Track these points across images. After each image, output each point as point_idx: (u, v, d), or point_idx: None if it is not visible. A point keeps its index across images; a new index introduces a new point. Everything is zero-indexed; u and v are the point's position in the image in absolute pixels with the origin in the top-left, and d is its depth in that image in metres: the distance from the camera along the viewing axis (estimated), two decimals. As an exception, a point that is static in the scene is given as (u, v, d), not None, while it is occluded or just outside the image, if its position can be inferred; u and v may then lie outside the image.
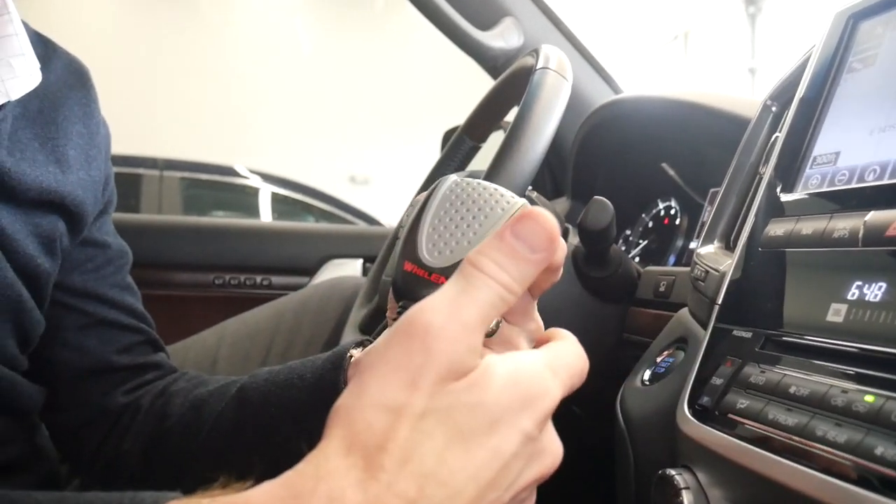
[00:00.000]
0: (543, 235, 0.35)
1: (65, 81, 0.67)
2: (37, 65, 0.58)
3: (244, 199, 4.07)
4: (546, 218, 0.35)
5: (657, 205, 1.07)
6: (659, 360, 0.61)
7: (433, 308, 0.34)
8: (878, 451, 0.35)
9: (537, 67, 0.75)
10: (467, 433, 0.33)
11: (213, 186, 3.82)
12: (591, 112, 1.03)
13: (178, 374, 0.75)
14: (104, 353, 0.70)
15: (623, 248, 1.12)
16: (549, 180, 1.35)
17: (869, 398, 0.38)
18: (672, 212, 1.04)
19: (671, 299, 0.73)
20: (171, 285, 1.33)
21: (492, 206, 0.45)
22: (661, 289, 0.75)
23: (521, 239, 0.35)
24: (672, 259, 0.99)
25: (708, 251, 0.64)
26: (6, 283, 0.57)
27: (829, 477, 0.37)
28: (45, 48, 0.67)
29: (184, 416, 0.65)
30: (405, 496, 0.31)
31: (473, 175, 0.77)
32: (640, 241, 1.09)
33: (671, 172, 1.02)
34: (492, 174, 0.69)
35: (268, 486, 0.32)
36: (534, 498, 0.38)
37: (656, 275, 0.77)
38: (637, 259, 1.08)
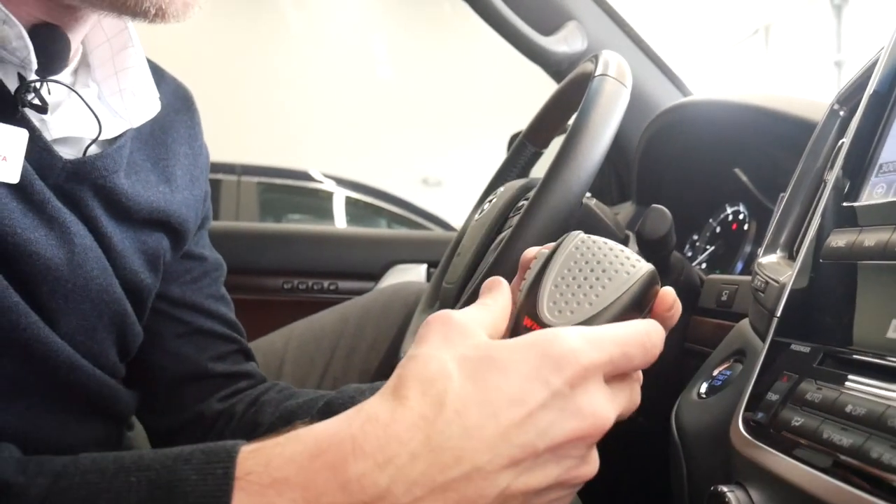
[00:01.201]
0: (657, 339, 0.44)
1: (172, 106, 0.71)
2: (156, 94, 0.62)
3: (318, 203, 4.16)
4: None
5: (725, 210, 1.04)
6: (716, 372, 0.60)
7: (445, 311, 0.43)
8: (935, 476, 0.34)
9: (596, 74, 0.74)
10: (479, 378, 0.38)
11: (289, 191, 3.93)
12: (656, 116, 1.01)
13: (270, 384, 0.79)
14: (200, 361, 0.74)
15: (690, 254, 1.10)
16: (616, 185, 1.33)
17: (928, 420, 0.36)
18: (741, 217, 1.01)
19: (733, 309, 0.71)
20: (244, 289, 1.38)
21: (617, 269, 0.44)
22: (724, 298, 0.73)
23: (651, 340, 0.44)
24: (740, 266, 0.96)
25: (770, 261, 0.62)
26: (114, 298, 0.60)
27: (880, 500, 0.36)
28: (155, 74, 0.71)
29: (273, 425, 0.69)
30: (426, 418, 0.37)
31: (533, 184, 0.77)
32: (707, 247, 1.06)
33: (744, 178, 0.99)
34: (548, 181, 0.69)
35: (329, 420, 0.39)
36: (590, 466, 0.41)
37: (719, 283, 0.75)
38: (704, 265, 1.05)
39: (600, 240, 0.46)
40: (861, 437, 0.39)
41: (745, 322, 0.63)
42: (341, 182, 4.06)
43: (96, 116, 0.56)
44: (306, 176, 4.03)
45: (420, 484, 0.36)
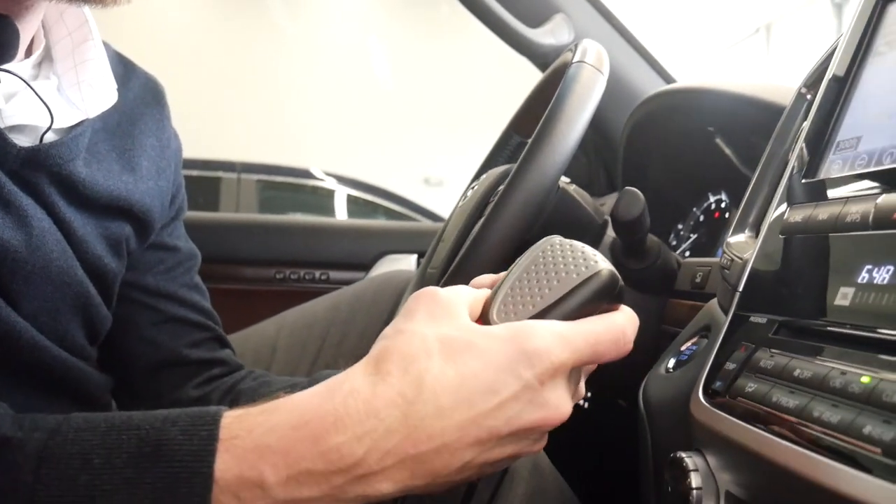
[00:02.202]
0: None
1: (142, 99, 0.73)
2: (114, 85, 0.64)
3: (318, 201, 4.18)
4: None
5: (708, 198, 1.06)
6: (683, 348, 0.61)
7: (432, 287, 0.46)
8: (867, 430, 0.35)
9: (574, 61, 0.76)
10: (459, 363, 0.42)
11: (289, 188, 3.95)
12: (639, 104, 1.03)
13: (246, 372, 0.81)
14: (175, 348, 0.76)
15: (674, 242, 1.11)
16: (604, 177, 1.35)
17: (865, 379, 0.38)
18: (723, 205, 1.02)
19: (707, 290, 0.73)
20: (236, 279, 1.40)
21: (568, 270, 0.46)
22: (698, 280, 0.74)
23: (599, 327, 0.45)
24: (720, 252, 0.98)
25: (738, 240, 0.63)
26: (76, 280, 0.62)
27: (820, 456, 0.37)
28: (125, 68, 0.73)
29: None
30: (405, 396, 0.41)
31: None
32: (691, 235, 1.07)
33: (727, 150, 1.00)
34: (524, 165, 0.71)
35: (312, 389, 0.42)
36: (542, 443, 0.46)
37: (694, 266, 0.77)
38: (688, 253, 1.07)
39: (569, 243, 0.47)
40: (806, 398, 0.41)
41: (714, 301, 0.64)
42: (342, 180, 4.08)
43: (46, 106, 0.57)
44: (307, 174, 4.05)
45: (392, 454, 0.40)
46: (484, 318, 0.47)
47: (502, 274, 0.49)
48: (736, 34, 7.05)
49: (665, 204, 1.13)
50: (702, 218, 1.06)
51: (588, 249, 0.47)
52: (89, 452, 0.39)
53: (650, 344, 0.81)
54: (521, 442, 0.44)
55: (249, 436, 0.39)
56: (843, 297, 0.43)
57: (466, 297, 0.47)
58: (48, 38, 0.62)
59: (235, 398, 0.74)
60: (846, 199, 0.47)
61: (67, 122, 0.60)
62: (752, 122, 0.85)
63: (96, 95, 0.62)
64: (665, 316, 0.81)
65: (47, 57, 0.62)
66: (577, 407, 0.49)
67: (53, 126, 0.58)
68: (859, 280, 0.43)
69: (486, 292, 0.49)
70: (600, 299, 0.46)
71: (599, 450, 1.01)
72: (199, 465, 0.38)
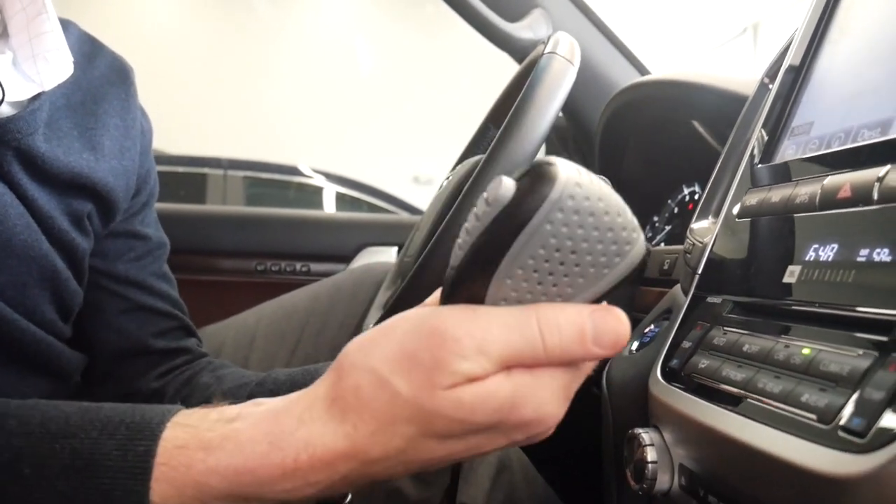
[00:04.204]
0: (617, 341, 0.37)
1: (107, 78, 0.73)
2: (70, 58, 0.64)
3: (306, 198, 4.18)
4: (627, 328, 0.37)
5: (682, 190, 1.07)
6: (647, 330, 0.63)
7: (459, 331, 0.35)
8: (804, 398, 0.37)
9: (545, 52, 0.77)
10: (446, 436, 0.36)
11: (276, 185, 3.95)
12: (614, 95, 1.04)
13: (205, 362, 0.80)
14: (141, 336, 0.76)
15: (650, 234, 1.13)
16: (580, 166, 1.36)
17: (806, 351, 0.39)
18: (696, 196, 1.04)
19: (673, 276, 0.74)
20: (217, 271, 1.41)
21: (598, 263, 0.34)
22: (665, 267, 0.76)
23: (597, 332, 0.36)
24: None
25: (700, 226, 0.65)
26: (42, 254, 0.63)
27: (762, 425, 0.39)
28: (91, 46, 0.74)
29: None
30: (368, 456, 0.36)
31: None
32: (666, 227, 1.09)
33: (702, 131, 1.01)
34: (494, 152, 0.72)
35: (259, 416, 0.38)
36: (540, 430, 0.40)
37: (662, 254, 0.78)
38: (662, 244, 1.08)
39: (585, 197, 0.34)
40: (752, 371, 0.42)
41: (679, 285, 0.66)
42: (330, 177, 4.08)
43: None
44: (295, 171, 4.05)
45: (349, 486, 0.39)
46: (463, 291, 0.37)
47: None
48: (723, 34, 7.09)
49: (642, 196, 1.14)
50: (676, 210, 1.08)
51: (623, 210, 0.35)
52: (19, 461, 0.37)
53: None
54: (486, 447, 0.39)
55: (188, 472, 0.37)
56: (791, 274, 0.45)
57: (489, 366, 0.36)
58: (3, 13, 0.62)
59: (190, 393, 0.74)
60: (797, 182, 0.48)
61: (22, 96, 0.60)
62: (723, 112, 0.86)
63: (51, 69, 0.62)
64: (635, 304, 0.82)
65: (3, 33, 0.62)
66: (587, 392, 0.47)
67: (7, 99, 0.58)
68: (806, 258, 0.44)
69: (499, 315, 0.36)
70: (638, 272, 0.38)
71: (570, 435, 1.03)
72: (132, 483, 0.36)
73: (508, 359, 0.35)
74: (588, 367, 0.39)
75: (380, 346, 0.37)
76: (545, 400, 0.37)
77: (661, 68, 1.25)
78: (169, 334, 0.79)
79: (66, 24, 0.68)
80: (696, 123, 1.01)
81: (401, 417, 0.36)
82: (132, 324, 0.76)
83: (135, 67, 0.79)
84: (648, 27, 5.86)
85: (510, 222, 0.32)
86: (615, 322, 0.37)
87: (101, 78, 0.72)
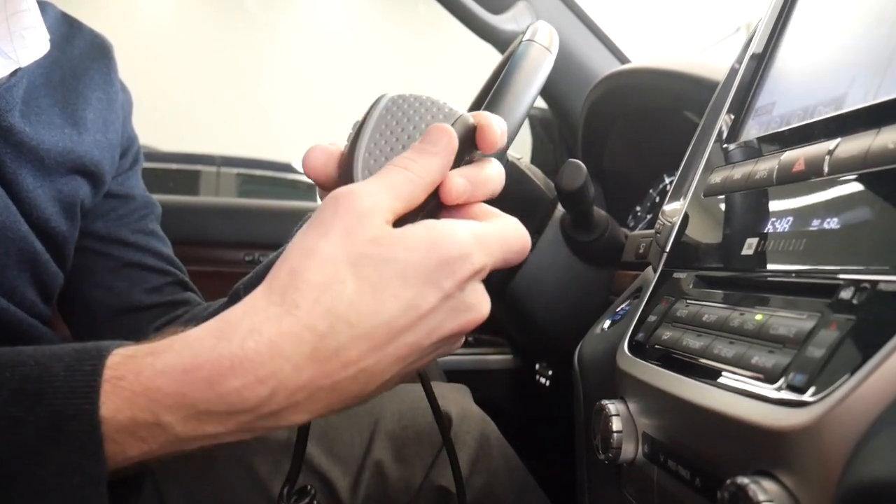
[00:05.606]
0: (442, 133, 0.43)
1: (88, 54, 0.74)
2: (46, 36, 0.65)
3: (300, 195, 4.19)
4: (447, 127, 0.43)
5: (664, 180, 1.09)
6: (619, 309, 0.64)
7: (351, 186, 0.41)
8: (754, 360, 0.38)
9: (523, 39, 0.78)
10: (377, 284, 0.38)
11: (269, 182, 3.96)
12: (596, 84, 1.06)
13: (204, 306, 0.80)
14: (133, 294, 0.77)
15: (632, 223, 1.14)
16: (567, 158, 1.37)
17: (758, 317, 0.41)
18: (677, 185, 1.05)
19: (648, 259, 0.75)
20: (205, 261, 1.42)
21: (433, 116, 0.45)
22: (641, 251, 0.77)
23: (426, 140, 0.43)
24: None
25: (672, 207, 0.66)
26: (20, 236, 0.63)
27: (716, 388, 0.40)
28: (70, 27, 0.75)
29: None
30: (315, 331, 0.37)
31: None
32: (647, 216, 1.10)
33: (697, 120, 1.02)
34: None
35: (206, 322, 0.38)
36: (460, 343, 0.44)
37: (639, 238, 0.80)
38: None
39: (412, 96, 0.46)
40: (709, 339, 0.44)
41: (651, 266, 0.67)
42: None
43: None
44: (288, 168, 4.06)
45: (303, 389, 0.37)
46: (345, 174, 0.45)
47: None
48: (716, 33, 7.11)
49: (625, 187, 1.16)
50: (658, 199, 1.09)
51: (438, 98, 0.46)
52: None
53: (599, 314, 0.84)
54: (441, 348, 0.42)
55: (137, 378, 0.36)
56: (749, 246, 0.46)
57: (387, 203, 0.40)
58: None
59: None
60: (757, 159, 0.50)
61: (1, 73, 0.61)
62: (696, 100, 0.87)
63: (28, 46, 0.63)
64: (613, 287, 0.84)
65: None
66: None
67: None
68: (764, 231, 0.46)
69: (425, 177, 0.42)
70: (471, 144, 0.45)
71: (550, 416, 1.04)
72: (81, 401, 0.36)
73: (400, 193, 0.41)
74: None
75: (301, 231, 0.40)
76: (456, 228, 0.40)
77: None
78: (163, 289, 0.79)
79: (43, 6, 0.69)
80: (688, 114, 1.03)
81: (335, 277, 0.37)
82: (122, 282, 0.76)
83: (128, 65, 0.80)
84: (642, 26, 5.88)
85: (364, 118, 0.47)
86: (436, 128, 0.43)
87: (80, 55, 0.73)
